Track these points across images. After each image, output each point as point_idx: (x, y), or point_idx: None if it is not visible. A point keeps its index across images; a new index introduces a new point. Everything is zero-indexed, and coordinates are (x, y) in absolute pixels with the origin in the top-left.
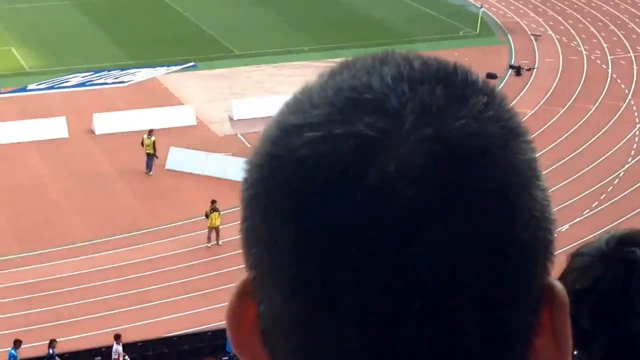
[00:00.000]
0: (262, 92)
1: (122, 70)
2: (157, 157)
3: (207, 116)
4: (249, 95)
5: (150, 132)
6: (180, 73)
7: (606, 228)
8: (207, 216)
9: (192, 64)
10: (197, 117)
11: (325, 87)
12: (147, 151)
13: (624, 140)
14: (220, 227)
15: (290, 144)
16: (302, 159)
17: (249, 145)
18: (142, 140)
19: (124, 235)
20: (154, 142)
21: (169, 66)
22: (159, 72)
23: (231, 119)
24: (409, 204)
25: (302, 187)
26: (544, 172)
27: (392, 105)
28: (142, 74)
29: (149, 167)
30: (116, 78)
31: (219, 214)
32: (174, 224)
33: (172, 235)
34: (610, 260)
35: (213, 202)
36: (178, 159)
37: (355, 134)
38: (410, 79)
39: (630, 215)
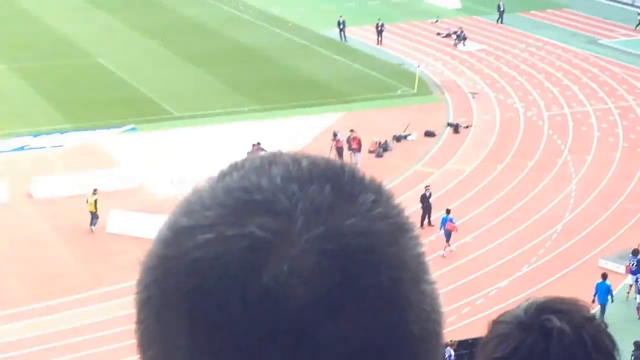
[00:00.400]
0: (203, 153)
1: (62, 133)
2: (97, 217)
3: (148, 178)
4: (188, 157)
5: (95, 192)
6: (120, 136)
7: (544, 283)
8: None
9: (132, 126)
10: (137, 179)
11: (216, 188)
12: (90, 209)
13: (561, 196)
14: None
15: (183, 246)
16: (195, 261)
17: None
18: (87, 199)
19: (66, 299)
20: (95, 201)
21: (108, 129)
22: (98, 135)
23: (171, 181)
24: (301, 304)
25: (197, 289)
26: (487, 227)
27: (282, 206)
28: (82, 137)
29: (92, 222)
30: (55, 141)
31: None
32: (116, 287)
33: (115, 298)
34: (529, 328)
35: None
36: (119, 221)
37: (248, 235)
38: (299, 178)
39: (567, 269)
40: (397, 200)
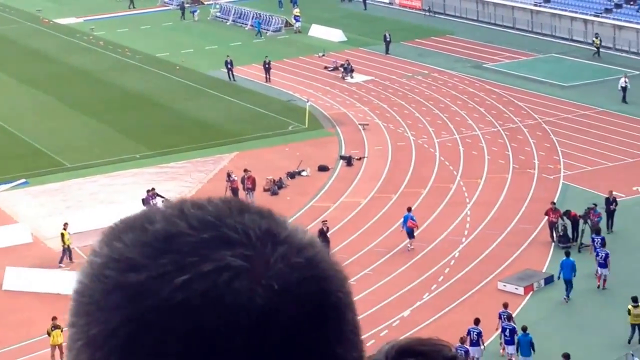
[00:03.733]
0: (98, 203)
1: None
2: None
3: (42, 232)
4: (83, 208)
5: None
6: (12, 191)
7: (446, 309)
8: (49, 334)
9: (24, 180)
10: (32, 234)
11: (147, 240)
12: None
13: (457, 221)
14: (63, 344)
15: (160, 294)
16: (183, 303)
17: (85, 258)
18: None
19: None
20: None
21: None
22: None
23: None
24: (295, 317)
25: (195, 329)
26: (386, 257)
27: (235, 237)
28: None
29: None
30: None
31: (61, 331)
32: (14, 346)
33: (15, 358)
34: None
35: (54, 319)
36: (15, 278)
37: (225, 267)
38: (226, 213)
39: (467, 294)
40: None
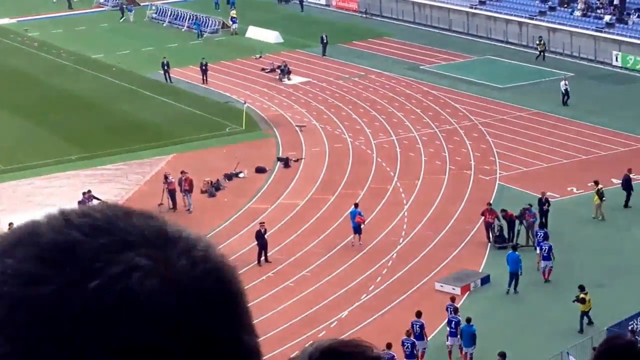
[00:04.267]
0: (33, 206)
1: None
2: None
3: None
4: (18, 210)
5: None
6: None
7: (384, 310)
8: None
9: None
10: None
11: (37, 246)
12: None
13: (394, 222)
14: None
15: (73, 304)
16: (98, 311)
17: None
18: None
19: None
20: None
21: None
22: None
23: None
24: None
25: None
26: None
27: (135, 239)
28: None
29: None
30: None
31: None
32: None
33: None
34: None
35: None
36: None
37: (135, 266)
38: (119, 219)
39: (405, 295)
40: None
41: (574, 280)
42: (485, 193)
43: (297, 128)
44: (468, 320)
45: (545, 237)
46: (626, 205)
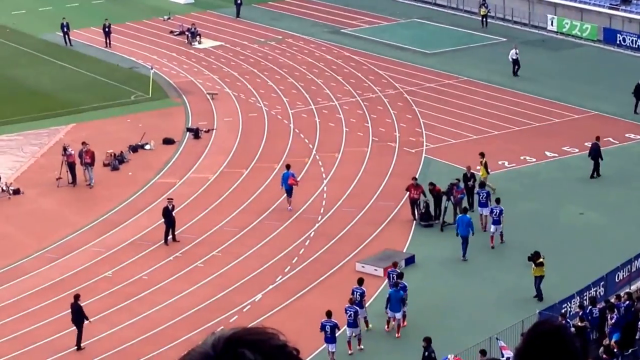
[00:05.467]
0: None
1: None
2: None
3: None
4: None
5: None
6: None
7: (301, 293)
8: None
9: None
10: None
11: None
12: None
13: (313, 198)
14: None
15: None
16: None
17: None
18: None
19: None
20: None
21: None
22: None
23: None
24: None
25: None
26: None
27: None
28: None
29: None
30: None
31: None
32: None
33: None
34: None
35: None
36: None
37: None
38: None
39: (324, 276)
40: None
41: (505, 262)
42: (411, 167)
43: (208, 96)
44: (395, 284)
45: (493, 199)
46: (593, 176)
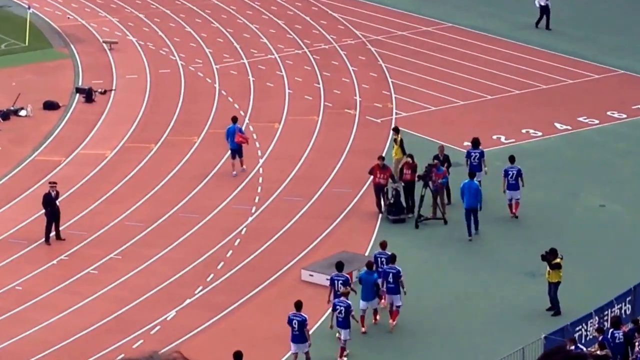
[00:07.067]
0: None
1: None
2: None
3: None
4: None
5: None
6: None
7: (227, 311)
8: None
9: None
10: None
11: None
12: None
13: (244, 183)
14: None
15: None
16: None
17: None
18: None
19: None
20: None
21: None
22: None
23: None
24: None
25: None
26: (140, 235)
27: None
28: None
29: None
30: None
31: None
32: None
33: None
34: None
35: None
36: None
37: None
38: None
39: (260, 287)
40: None
41: (501, 269)
42: (376, 142)
43: (105, 45)
44: (369, 265)
45: (513, 160)
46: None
